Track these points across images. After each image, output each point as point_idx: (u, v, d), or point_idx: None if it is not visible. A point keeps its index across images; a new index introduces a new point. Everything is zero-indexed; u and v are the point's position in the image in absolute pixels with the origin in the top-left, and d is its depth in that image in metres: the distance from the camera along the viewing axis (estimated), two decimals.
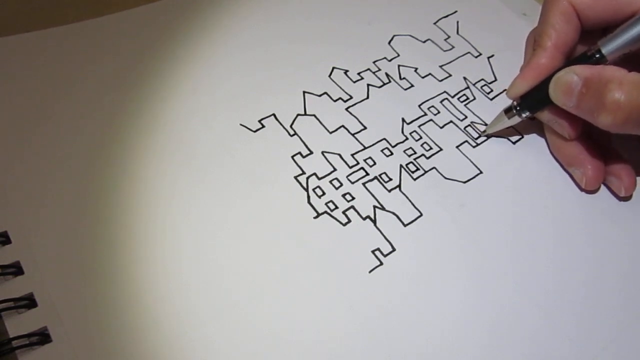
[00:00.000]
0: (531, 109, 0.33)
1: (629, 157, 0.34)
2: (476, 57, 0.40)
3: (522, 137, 0.36)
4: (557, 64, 0.33)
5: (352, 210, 0.32)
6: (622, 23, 0.31)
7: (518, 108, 0.34)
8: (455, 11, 0.43)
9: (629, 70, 0.29)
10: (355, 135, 0.35)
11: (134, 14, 0.39)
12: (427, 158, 0.34)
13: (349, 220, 0.31)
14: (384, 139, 0.35)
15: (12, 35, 0.37)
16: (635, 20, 0.30)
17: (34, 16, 0.39)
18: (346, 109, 0.36)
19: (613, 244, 0.32)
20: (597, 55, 0.30)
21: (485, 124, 0.36)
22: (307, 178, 0.33)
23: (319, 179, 0.33)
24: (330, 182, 0.33)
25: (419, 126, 0.36)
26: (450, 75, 0.39)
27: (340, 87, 0.37)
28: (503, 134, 0.36)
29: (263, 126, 0.35)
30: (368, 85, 0.38)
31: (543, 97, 0.32)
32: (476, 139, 0.36)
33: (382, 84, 0.38)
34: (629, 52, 0.30)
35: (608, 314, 0.30)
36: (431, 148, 0.35)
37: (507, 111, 0.34)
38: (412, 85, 0.38)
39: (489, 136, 0.36)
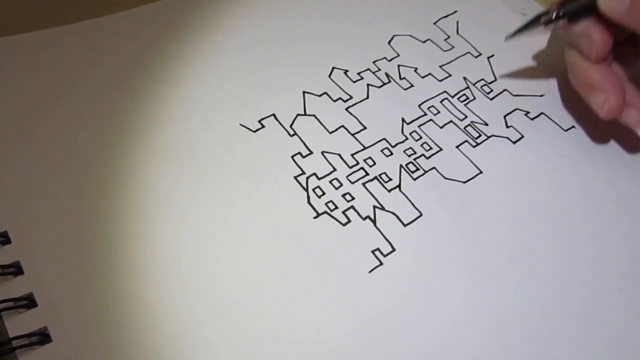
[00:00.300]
0: (572, 15, 0.33)
1: None
2: (476, 57, 0.40)
3: (522, 137, 0.36)
4: None
5: (352, 210, 0.32)
6: None
7: (559, 14, 0.33)
8: (455, 11, 0.43)
9: None
10: (355, 135, 0.35)
11: (133, 14, 0.39)
12: (427, 158, 0.34)
13: (349, 220, 0.31)
14: (384, 139, 0.35)
15: (12, 35, 0.37)
16: None
17: (34, 16, 0.39)
18: (346, 109, 0.36)
19: (613, 243, 0.32)
20: None
21: (486, 124, 0.36)
22: (307, 178, 0.33)
23: (319, 179, 0.33)
24: (330, 182, 0.33)
25: (419, 126, 0.36)
26: (450, 75, 0.39)
27: (340, 87, 0.37)
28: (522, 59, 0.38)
29: (263, 126, 0.35)
30: (368, 85, 0.38)
31: (587, 4, 0.32)
32: (476, 138, 0.36)
33: (382, 83, 0.38)
34: None
35: (608, 314, 0.30)
36: (431, 148, 0.35)
37: (542, 15, 0.34)
38: (412, 85, 0.38)
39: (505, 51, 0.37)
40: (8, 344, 0.26)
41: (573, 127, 0.37)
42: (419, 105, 0.37)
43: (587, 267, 0.31)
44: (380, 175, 0.33)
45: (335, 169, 0.33)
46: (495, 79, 0.39)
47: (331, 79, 0.38)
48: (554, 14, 0.33)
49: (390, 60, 0.39)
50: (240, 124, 0.35)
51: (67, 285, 0.28)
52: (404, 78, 0.38)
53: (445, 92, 0.38)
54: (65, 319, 0.27)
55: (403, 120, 0.36)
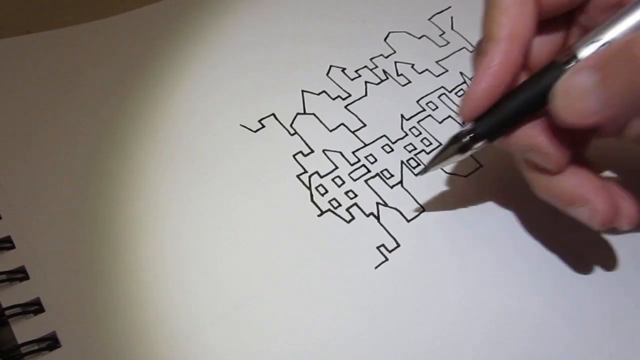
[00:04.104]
0: (493, 135, 0.26)
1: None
2: (471, 51, 0.40)
3: None
4: (516, 60, 0.25)
5: (355, 207, 0.32)
6: (582, 5, 0.25)
7: (472, 135, 0.26)
8: (449, 7, 0.43)
9: None
10: (355, 132, 0.35)
11: (132, 16, 0.39)
12: (428, 153, 0.35)
13: (353, 217, 0.32)
14: (384, 135, 0.35)
15: (10, 38, 0.37)
16: (618, 16, 0.23)
17: (32, 19, 0.39)
18: (345, 107, 0.36)
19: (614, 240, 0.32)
20: (573, 63, 0.23)
21: None
22: (310, 176, 0.33)
23: (321, 177, 0.33)
24: (333, 180, 0.33)
25: (418, 122, 0.36)
26: (446, 71, 0.39)
27: (339, 85, 0.37)
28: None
29: (263, 126, 0.35)
30: (366, 82, 0.38)
31: (510, 115, 0.25)
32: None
33: (379, 80, 0.38)
34: None
35: (610, 307, 0.30)
36: (431, 143, 0.35)
37: (454, 141, 0.27)
38: (410, 82, 0.38)
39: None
40: (17, 351, 0.26)
41: None
42: (417, 101, 0.37)
43: (589, 260, 0.31)
44: (382, 171, 0.34)
45: (337, 167, 0.33)
46: None
47: (329, 77, 0.38)
48: (468, 136, 0.26)
49: (387, 57, 0.39)
50: (241, 125, 0.35)
51: (73, 289, 0.28)
52: (401, 74, 0.38)
53: (442, 87, 0.38)
54: (73, 324, 0.27)
55: (402, 116, 0.36)
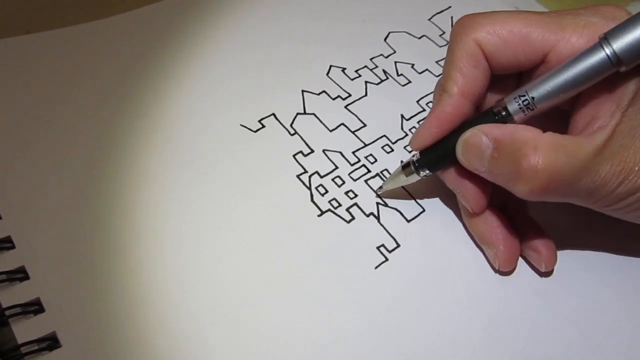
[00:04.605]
0: (431, 166, 0.30)
1: (547, 225, 0.31)
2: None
3: None
4: (465, 113, 0.29)
5: (355, 207, 0.32)
6: (535, 67, 0.28)
7: (417, 164, 0.30)
8: (449, 7, 0.43)
9: (543, 129, 0.26)
10: (356, 132, 0.35)
11: (132, 16, 0.39)
12: None
13: (353, 218, 0.32)
14: (384, 135, 0.35)
15: (10, 38, 0.37)
16: (545, 77, 0.26)
17: (32, 18, 0.39)
18: (345, 107, 0.36)
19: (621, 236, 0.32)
20: (504, 113, 0.27)
21: None
22: (310, 176, 0.33)
23: (321, 177, 0.33)
24: (333, 180, 0.33)
25: (418, 122, 0.36)
26: None
27: (339, 85, 0.37)
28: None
29: (263, 126, 0.35)
30: (366, 82, 0.38)
31: (445, 153, 0.29)
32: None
33: (379, 80, 0.38)
34: (538, 112, 0.27)
35: (610, 306, 0.30)
36: None
37: (405, 167, 0.31)
38: (410, 82, 0.38)
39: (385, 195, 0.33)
40: (17, 351, 0.26)
41: None
42: (418, 101, 0.37)
43: (591, 254, 0.31)
44: (382, 172, 0.34)
45: (337, 167, 0.34)
46: None
47: (329, 77, 0.38)
48: (413, 165, 0.30)
49: (387, 57, 0.39)
50: (241, 125, 0.35)
51: (73, 289, 0.28)
52: (401, 74, 0.38)
53: None
54: (73, 324, 0.27)
55: (402, 116, 0.36)
